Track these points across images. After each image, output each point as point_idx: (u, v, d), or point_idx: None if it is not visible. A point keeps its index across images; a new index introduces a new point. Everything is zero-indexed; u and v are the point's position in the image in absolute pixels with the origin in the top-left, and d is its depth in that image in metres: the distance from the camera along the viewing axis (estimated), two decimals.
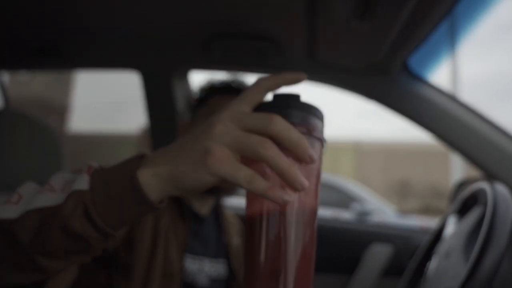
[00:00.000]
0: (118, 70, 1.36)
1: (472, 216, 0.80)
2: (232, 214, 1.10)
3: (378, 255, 1.31)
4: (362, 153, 20.27)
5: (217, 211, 1.03)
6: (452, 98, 1.09)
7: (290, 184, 0.34)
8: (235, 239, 1.05)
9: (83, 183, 0.38)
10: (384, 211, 5.12)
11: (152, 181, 0.37)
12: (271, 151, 0.34)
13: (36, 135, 1.00)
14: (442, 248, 0.82)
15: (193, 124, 0.95)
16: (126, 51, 1.27)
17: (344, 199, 5.20)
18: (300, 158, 0.35)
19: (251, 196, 0.38)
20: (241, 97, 0.38)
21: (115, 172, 0.38)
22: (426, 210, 15.83)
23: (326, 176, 5.84)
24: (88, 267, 0.76)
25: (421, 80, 1.11)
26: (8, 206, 0.39)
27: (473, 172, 1.31)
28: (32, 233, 0.37)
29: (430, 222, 1.55)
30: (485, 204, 0.76)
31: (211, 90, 0.97)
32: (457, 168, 7.20)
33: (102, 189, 0.37)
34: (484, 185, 0.78)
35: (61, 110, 15.90)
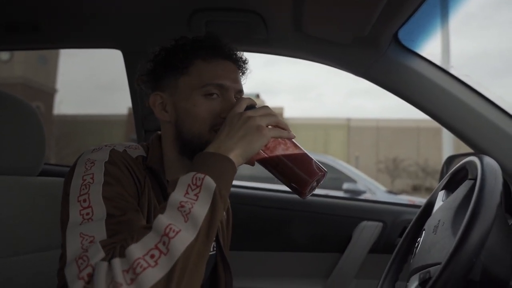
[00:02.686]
0: (99, 48, 1.32)
1: (461, 190, 0.79)
2: None
3: (368, 232, 1.31)
4: (353, 130, 20.39)
5: None
6: (445, 71, 1.07)
7: (290, 136, 0.72)
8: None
9: (206, 200, 0.62)
10: (375, 191, 5.17)
11: (237, 159, 0.67)
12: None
13: (15, 114, 0.96)
14: (431, 223, 0.82)
15: (171, 93, 0.81)
16: (106, 28, 1.23)
17: (335, 179, 5.23)
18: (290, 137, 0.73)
19: (274, 143, 0.71)
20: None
21: (223, 174, 0.64)
22: (417, 189, 16.07)
23: (318, 156, 5.86)
24: None
25: (412, 52, 1.08)
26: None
27: (465, 149, 1.30)
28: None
29: (421, 200, 1.55)
30: (474, 177, 0.75)
31: (192, 53, 0.80)
32: (449, 145, 7.24)
33: (223, 193, 0.63)
34: (474, 158, 0.77)
35: (46, 92, 15.70)
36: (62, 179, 1.03)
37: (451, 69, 1.09)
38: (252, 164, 0.74)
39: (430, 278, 0.66)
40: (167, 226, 0.59)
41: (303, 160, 0.70)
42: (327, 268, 1.34)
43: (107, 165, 0.72)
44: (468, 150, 1.20)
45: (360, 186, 5.09)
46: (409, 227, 0.97)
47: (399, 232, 1.31)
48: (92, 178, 0.70)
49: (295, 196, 1.45)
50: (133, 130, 1.41)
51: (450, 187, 0.89)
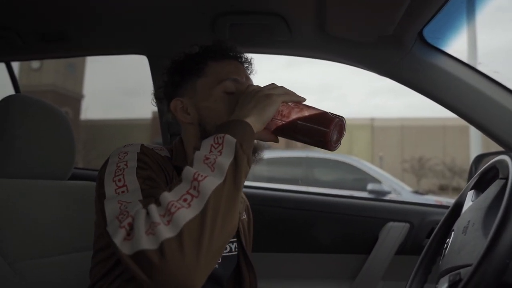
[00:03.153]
0: (125, 54, 1.35)
1: (492, 190, 0.77)
2: None
3: (395, 233, 1.29)
4: (377, 129, 20.07)
5: None
6: (472, 68, 1.04)
7: (300, 100, 0.77)
8: (244, 216, 1.03)
9: (229, 152, 0.67)
10: (400, 192, 5.08)
11: (253, 124, 0.71)
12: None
13: (47, 119, 1.00)
14: (460, 223, 0.80)
15: (191, 96, 0.86)
16: (131, 35, 1.26)
17: (360, 180, 5.17)
18: (301, 100, 0.77)
19: (287, 110, 0.75)
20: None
21: (242, 132, 0.69)
22: (444, 189, 15.66)
23: (342, 156, 5.80)
24: None
25: (438, 50, 1.06)
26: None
27: (494, 148, 1.26)
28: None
29: (448, 200, 1.52)
30: (505, 177, 0.73)
31: (204, 57, 0.87)
32: (477, 144, 7.02)
33: (245, 148, 0.68)
34: (504, 157, 0.75)
35: (74, 99, 16.15)
36: (91, 182, 1.07)
37: (479, 66, 1.07)
38: (276, 140, 0.79)
39: (460, 280, 0.65)
40: (195, 173, 0.64)
41: (317, 115, 0.73)
42: (354, 270, 1.32)
43: (140, 155, 0.77)
44: (497, 148, 1.17)
45: (385, 187, 5.01)
46: (437, 228, 0.95)
47: (427, 233, 1.29)
48: (126, 164, 0.75)
49: (320, 197, 1.45)
50: (158, 133, 1.44)
51: (479, 187, 0.87)
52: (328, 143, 0.72)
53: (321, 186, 4.83)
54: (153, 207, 0.63)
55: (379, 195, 4.74)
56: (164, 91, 0.91)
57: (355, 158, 5.91)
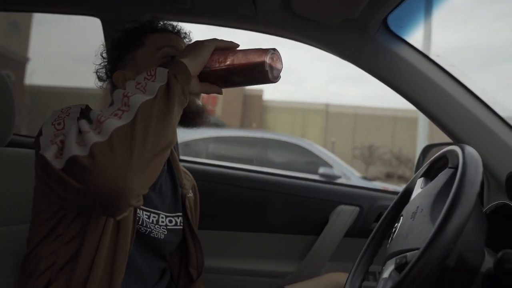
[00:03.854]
0: (76, 15, 1.25)
1: (441, 178, 0.79)
2: (184, 169, 1.07)
3: (344, 216, 1.33)
4: (331, 115, 20.58)
5: (170, 162, 1.00)
6: (431, 60, 1.07)
7: (233, 45, 0.80)
8: (190, 193, 1.04)
9: (161, 79, 0.69)
10: (350, 177, 5.26)
11: (190, 64, 0.74)
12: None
13: None
14: (409, 209, 0.82)
15: (132, 67, 0.89)
16: None
17: (312, 163, 5.28)
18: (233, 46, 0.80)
19: (223, 56, 0.78)
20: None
21: (177, 69, 0.72)
22: (390, 177, 16.46)
23: (296, 139, 5.89)
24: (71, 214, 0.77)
25: (400, 39, 1.07)
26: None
27: (438, 140, 1.31)
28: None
29: (394, 187, 1.58)
30: (455, 166, 0.75)
31: (143, 30, 0.92)
32: (424, 136, 7.41)
33: (179, 78, 0.70)
34: (455, 147, 0.78)
35: (17, 61, 15.09)
36: (31, 150, 0.99)
37: (437, 58, 1.09)
38: (219, 91, 0.82)
39: (406, 263, 0.67)
40: (125, 92, 0.68)
41: (250, 51, 0.77)
42: (302, 250, 1.35)
43: (84, 110, 0.75)
44: (442, 141, 1.22)
45: (335, 171, 5.16)
46: (386, 212, 0.97)
47: (375, 217, 1.33)
48: (68, 113, 0.73)
49: (273, 177, 1.45)
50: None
51: (429, 175, 0.89)
52: (265, 74, 0.75)
53: (274, 167, 4.89)
54: (83, 121, 0.66)
55: (330, 179, 4.88)
56: (106, 68, 0.95)
57: (308, 142, 6.03)
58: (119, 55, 0.92)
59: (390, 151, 18.25)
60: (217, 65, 0.78)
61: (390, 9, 0.98)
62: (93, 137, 0.61)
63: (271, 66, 0.75)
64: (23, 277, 0.79)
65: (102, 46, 0.99)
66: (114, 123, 0.63)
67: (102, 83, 0.95)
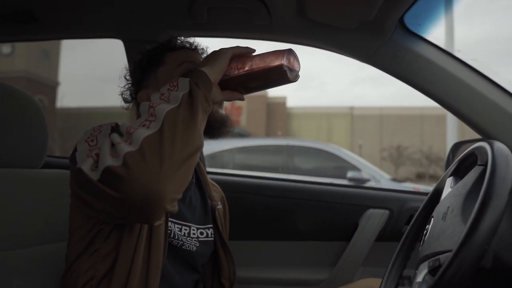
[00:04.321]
0: (99, 38, 1.30)
1: (471, 176, 0.77)
2: (212, 181, 1.09)
3: (374, 220, 1.30)
4: (356, 118, 20.31)
5: (197, 175, 1.03)
6: (452, 56, 1.04)
7: (250, 51, 0.82)
8: (219, 205, 1.05)
9: (183, 88, 0.73)
10: (379, 179, 5.16)
11: (210, 72, 0.76)
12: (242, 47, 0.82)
13: (17, 106, 0.95)
14: (439, 209, 0.80)
15: (155, 86, 0.92)
16: (106, 17, 1.21)
17: (340, 168, 5.22)
18: (250, 51, 0.82)
19: (242, 62, 0.80)
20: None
21: (198, 78, 0.74)
22: (421, 177, 16.04)
23: (322, 144, 5.84)
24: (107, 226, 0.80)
25: (418, 36, 1.05)
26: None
27: (470, 136, 1.28)
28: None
29: (425, 188, 1.54)
30: (484, 163, 0.73)
31: (162, 49, 0.95)
32: (453, 133, 7.19)
33: (200, 85, 0.73)
34: (483, 144, 0.76)
35: (49, 86, 15.70)
36: (65, 171, 1.03)
37: (458, 54, 1.07)
38: (241, 97, 0.84)
39: (440, 265, 0.65)
40: (150, 103, 0.71)
41: (267, 54, 0.78)
42: (334, 257, 1.33)
43: (115, 127, 0.78)
44: (473, 137, 1.18)
45: (364, 175, 5.08)
46: (416, 215, 0.95)
47: (406, 220, 1.30)
48: (99, 131, 0.76)
49: (300, 184, 1.44)
50: None
51: (458, 174, 0.87)
52: (285, 75, 0.76)
53: (301, 174, 4.86)
54: (114, 135, 0.69)
55: (359, 182, 4.81)
56: (130, 90, 0.98)
57: (334, 146, 5.96)
58: (141, 75, 0.96)
59: (420, 151, 17.81)
60: (236, 71, 0.79)
61: (405, 8, 0.97)
62: (125, 148, 0.65)
63: (289, 67, 0.76)
64: None
65: (125, 69, 1.02)
66: (143, 133, 0.66)
67: (127, 104, 0.99)
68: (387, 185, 4.96)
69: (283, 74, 0.76)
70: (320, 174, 4.81)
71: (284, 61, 0.75)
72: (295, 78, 0.79)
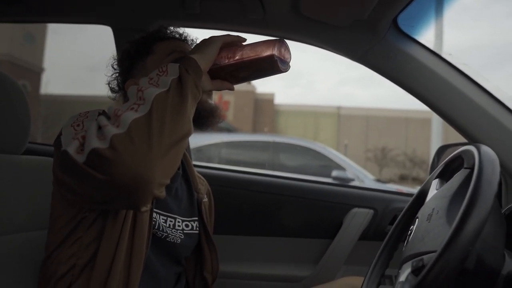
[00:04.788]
0: (88, 24, 1.27)
1: (457, 179, 0.78)
2: (199, 174, 1.08)
3: (359, 219, 1.31)
4: (343, 118, 20.47)
5: (184, 167, 1.02)
6: (443, 59, 1.05)
7: (240, 40, 0.81)
8: (205, 199, 1.04)
9: (173, 73, 0.71)
10: (363, 179, 5.21)
11: (200, 60, 0.75)
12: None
13: (2, 91, 0.92)
14: (424, 211, 0.81)
15: (143, 75, 0.89)
16: (97, 2, 1.18)
17: (324, 166, 5.26)
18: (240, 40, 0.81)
19: (232, 51, 0.78)
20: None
21: (188, 64, 0.73)
22: (404, 179, 16.27)
23: (308, 142, 5.87)
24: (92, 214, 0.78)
25: (411, 38, 1.06)
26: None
27: (452, 141, 1.29)
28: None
29: (408, 190, 1.55)
30: (471, 166, 0.74)
31: (152, 38, 0.94)
32: (438, 136, 7.30)
33: (190, 71, 0.72)
34: (470, 147, 0.76)
35: (33, 71, 15.37)
36: (47, 158, 1.01)
37: (449, 57, 1.08)
38: (231, 87, 0.83)
39: (423, 266, 0.66)
40: (139, 87, 0.70)
41: (258, 44, 0.77)
42: (317, 254, 1.33)
43: (103, 112, 0.75)
44: (457, 141, 1.19)
45: (349, 174, 5.12)
46: (401, 215, 0.96)
47: (390, 220, 1.31)
48: (86, 116, 0.74)
49: (286, 181, 1.44)
50: None
51: (444, 176, 0.88)
52: (275, 66, 0.75)
53: (287, 171, 4.87)
54: (101, 117, 0.68)
55: (343, 182, 4.84)
56: (118, 80, 0.96)
57: (320, 145, 6.00)
58: (129, 64, 0.94)
59: (404, 153, 18.05)
60: (226, 61, 0.78)
61: (400, 9, 0.97)
62: (112, 130, 0.63)
63: (280, 57, 0.76)
64: (43, 282, 0.80)
65: (112, 58, 1.00)
66: (131, 115, 0.64)
67: (114, 94, 0.97)
68: (371, 185, 5.01)
69: (274, 64, 0.75)
70: (305, 172, 4.83)
71: (275, 51, 0.75)
72: (286, 69, 0.78)
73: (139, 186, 0.62)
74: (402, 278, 0.72)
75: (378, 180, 5.95)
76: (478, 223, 0.59)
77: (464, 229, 0.59)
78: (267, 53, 0.75)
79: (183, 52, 0.90)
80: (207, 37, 0.82)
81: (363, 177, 5.31)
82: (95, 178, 0.62)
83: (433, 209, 0.77)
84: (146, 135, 0.63)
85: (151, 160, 0.62)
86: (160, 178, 0.64)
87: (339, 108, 21.24)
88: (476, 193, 0.62)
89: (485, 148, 0.72)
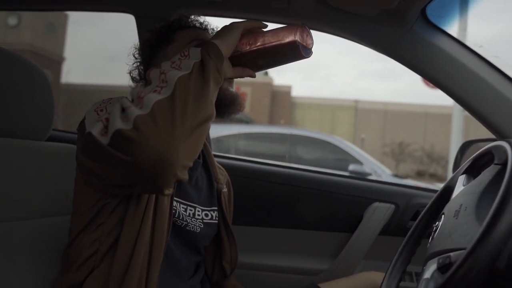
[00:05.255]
0: (111, 12, 1.27)
1: (487, 175, 0.75)
2: (218, 164, 1.08)
3: (379, 214, 1.29)
4: (361, 111, 20.23)
5: (204, 156, 1.02)
6: (473, 51, 1.01)
7: (262, 26, 0.81)
8: (224, 189, 1.04)
9: (195, 57, 0.71)
10: (380, 174, 5.15)
11: (221, 45, 0.74)
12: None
13: (25, 75, 0.93)
14: (451, 207, 0.79)
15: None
16: None
17: (341, 160, 5.21)
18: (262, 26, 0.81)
19: (253, 37, 0.77)
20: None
21: (210, 48, 0.72)
22: (421, 175, 16.03)
23: (325, 136, 5.82)
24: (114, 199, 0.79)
25: (440, 30, 1.03)
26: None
27: (472, 137, 1.25)
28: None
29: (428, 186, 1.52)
30: (502, 162, 0.71)
31: (172, 27, 0.95)
32: (458, 132, 7.15)
33: (212, 56, 0.71)
34: (502, 143, 0.74)
35: (54, 61, 15.63)
36: (70, 145, 1.02)
37: (479, 49, 1.04)
38: (253, 74, 0.82)
39: (450, 263, 0.64)
40: (161, 70, 0.70)
41: (279, 30, 0.76)
42: (336, 248, 1.32)
43: (125, 97, 0.76)
44: (478, 137, 1.16)
45: (366, 168, 5.06)
46: (424, 210, 0.94)
47: (412, 215, 1.29)
48: (109, 101, 0.74)
49: (306, 173, 1.43)
50: None
51: (472, 172, 0.85)
52: (298, 52, 0.74)
53: (303, 163, 4.85)
54: (124, 99, 0.68)
55: (360, 176, 4.79)
56: (139, 69, 0.97)
57: (338, 138, 5.94)
58: (150, 53, 0.94)
59: (422, 148, 17.76)
60: (248, 47, 0.77)
61: None
62: (135, 111, 0.63)
63: (302, 43, 0.74)
64: (65, 265, 0.81)
65: (134, 47, 1.00)
66: (154, 97, 0.64)
67: (135, 84, 0.97)
68: (388, 180, 4.95)
69: (296, 50, 0.74)
70: (322, 165, 4.79)
71: (297, 37, 0.73)
72: (308, 54, 0.76)
73: (163, 167, 0.62)
74: (427, 275, 0.70)
75: (396, 175, 5.87)
76: (511, 221, 0.57)
77: (496, 226, 0.57)
78: (290, 39, 0.74)
79: (204, 41, 0.89)
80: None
81: (381, 172, 5.25)
82: (119, 160, 0.62)
83: (461, 205, 0.75)
84: (169, 117, 0.63)
85: (175, 141, 0.62)
86: (183, 160, 0.64)
87: (356, 101, 20.99)
88: (509, 189, 0.60)
89: None
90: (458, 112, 7.15)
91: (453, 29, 1.11)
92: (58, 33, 16.24)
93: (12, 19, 14.74)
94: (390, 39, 1.05)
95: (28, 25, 14.95)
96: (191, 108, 0.65)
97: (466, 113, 1.17)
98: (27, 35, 14.78)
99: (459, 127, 7.26)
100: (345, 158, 5.21)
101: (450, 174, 0.94)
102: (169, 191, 0.70)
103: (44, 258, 0.88)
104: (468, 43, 1.05)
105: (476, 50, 1.04)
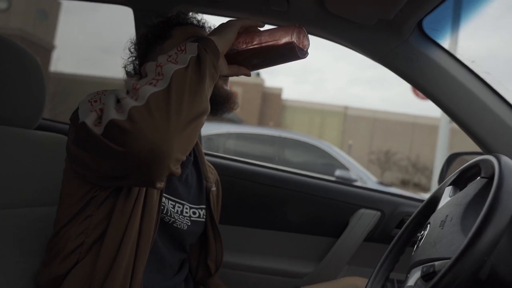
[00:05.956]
0: (107, 3, 1.26)
1: (472, 187, 0.77)
2: (208, 162, 1.08)
3: (365, 220, 1.30)
4: (349, 118, 20.39)
5: (195, 154, 1.02)
6: (465, 66, 1.03)
7: (259, 25, 0.81)
8: (213, 188, 1.04)
9: (192, 51, 0.71)
10: (366, 181, 5.19)
11: (218, 41, 0.74)
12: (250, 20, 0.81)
13: (16, 60, 0.92)
14: (437, 217, 0.80)
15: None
16: None
17: (328, 165, 5.24)
18: (259, 25, 0.81)
19: (250, 37, 0.78)
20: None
21: (207, 44, 0.72)
22: (405, 184, 16.22)
23: (313, 139, 5.85)
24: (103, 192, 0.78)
25: (434, 43, 1.04)
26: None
27: (457, 150, 1.27)
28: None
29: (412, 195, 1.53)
30: (489, 176, 0.73)
31: (170, 23, 0.94)
32: (444, 144, 7.26)
33: (208, 51, 0.71)
34: (489, 157, 0.75)
35: (44, 48, 15.38)
36: (59, 135, 1.00)
37: (472, 64, 1.06)
38: (248, 73, 0.82)
39: (434, 272, 0.65)
40: (158, 63, 0.69)
41: (275, 30, 0.76)
42: (321, 252, 1.33)
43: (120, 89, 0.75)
44: (462, 150, 1.18)
45: (352, 175, 5.11)
46: (410, 219, 0.95)
47: (397, 223, 1.31)
48: (104, 93, 0.73)
49: (294, 176, 1.44)
50: None
51: (458, 184, 0.87)
52: (294, 52, 0.75)
53: (291, 166, 4.86)
54: (119, 90, 0.68)
55: (346, 181, 4.82)
56: (134, 64, 0.97)
57: (326, 143, 5.97)
58: (147, 48, 0.94)
59: (407, 158, 17.98)
60: (244, 46, 0.78)
61: (427, 11, 0.96)
62: (131, 102, 0.63)
63: (298, 44, 0.75)
64: (49, 257, 0.80)
65: (130, 41, 1.00)
66: (149, 89, 0.64)
67: (130, 78, 0.96)
68: (373, 187, 4.98)
69: (292, 51, 0.75)
70: (309, 169, 4.81)
71: (294, 38, 0.74)
72: (304, 55, 0.77)
73: (156, 159, 0.62)
74: (410, 282, 0.71)
75: (381, 183, 5.93)
76: (496, 233, 0.58)
77: (481, 238, 0.58)
78: (286, 39, 0.74)
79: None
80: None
81: (366, 178, 5.30)
82: (113, 150, 0.62)
83: (447, 215, 0.76)
84: (165, 109, 0.63)
85: (169, 134, 0.62)
86: (177, 153, 0.64)
87: (346, 108, 21.15)
88: (495, 202, 0.61)
89: (506, 159, 0.71)
90: (444, 124, 7.27)
91: (445, 43, 1.14)
92: (50, 21, 16.00)
93: (2, 3, 14.47)
94: (386, 49, 1.07)
95: (19, 10, 14.70)
96: (186, 101, 0.65)
97: (452, 125, 1.19)
98: (17, 20, 14.52)
99: (445, 139, 7.38)
100: (332, 163, 5.25)
101: (434, 185, 0.96)
102: (160, 184, 0.69)
103: (27, 248, 0.87)
104: (461, 58, 1.07)
105: (468, 65, 1.07)
